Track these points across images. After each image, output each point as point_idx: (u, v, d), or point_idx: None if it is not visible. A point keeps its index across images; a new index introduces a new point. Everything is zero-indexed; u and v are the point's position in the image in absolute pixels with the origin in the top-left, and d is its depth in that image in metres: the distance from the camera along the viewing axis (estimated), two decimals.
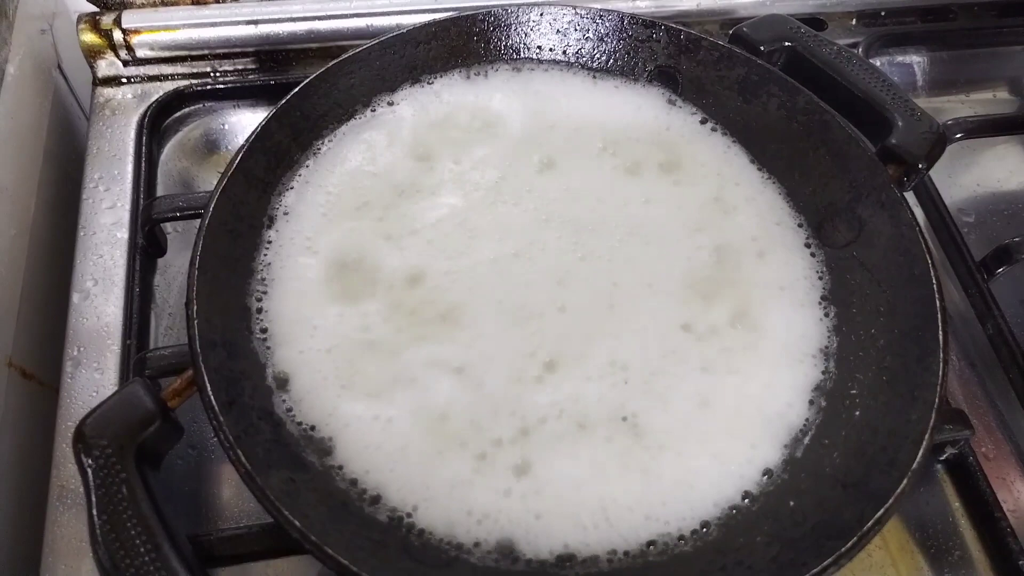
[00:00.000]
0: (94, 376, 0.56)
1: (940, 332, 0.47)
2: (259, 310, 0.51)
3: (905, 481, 0.42)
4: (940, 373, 0.46)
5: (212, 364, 0.44)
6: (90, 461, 0.41)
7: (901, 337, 0.49)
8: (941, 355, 0.46)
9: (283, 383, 0.49)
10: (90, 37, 0.71)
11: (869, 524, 0.41)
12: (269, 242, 0.54)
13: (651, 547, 0.44)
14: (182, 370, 0.46)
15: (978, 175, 0.77)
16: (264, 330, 0.50)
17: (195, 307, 0.46)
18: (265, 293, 0.52)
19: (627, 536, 0.44)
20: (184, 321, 0.59)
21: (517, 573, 0.43)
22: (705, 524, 0.45)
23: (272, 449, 0.44)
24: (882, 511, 0.41)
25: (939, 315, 0.47)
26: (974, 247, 0.66)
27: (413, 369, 0.49)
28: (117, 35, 0.71)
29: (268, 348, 0.50)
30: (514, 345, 0.51)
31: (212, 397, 0.43)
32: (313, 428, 0.47)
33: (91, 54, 0.72)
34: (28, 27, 0.68)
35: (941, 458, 0.56)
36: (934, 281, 0.49)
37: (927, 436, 0.43)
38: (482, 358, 0.50)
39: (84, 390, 0.56)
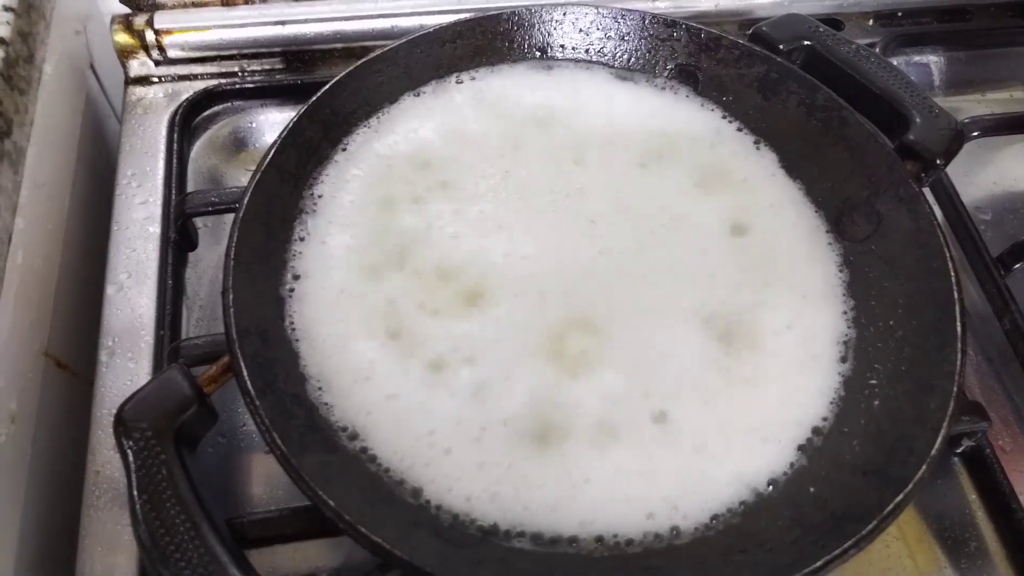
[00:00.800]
0: (128, 366, 0.58)
1: (958, 323, 0.48)
2: (291, 300, 0.52)
3: (924, 467, 0.43)
4: (958, 363, 0.46)
5: (247, 351, 0.45)
6: (131, 443, 0.42)
7: (920, 328, 0.50)
8: (959, 345, 0.47)
9: (315, 369, 0.50)
10: (123, 38, 0.73)
11: (889, 508, 0.42)
12: (300, 235, 0.55)
13: (675, 532, 0.45)
14: (214, 358, 0.47)
15: (995, 174, 0.77)
16: (295, 319, 0.52)
17: (231, 296, 0.47)
18: (297, 283, 0.53)
19: (652, 521, 0.45)
20: (215, 312, 0.61)
21: (545, 554, 0.44)
22: (728, 510, 0.46)
23: (306, 433, 0.46)
24: (901, 496, 0.42)
25: (957, 306, 0.48)
26: (991, 244, 0.66)
27: (442, 356, 0.51)
28: (149, 35, 0.73)
29: (299, 338, 0.51)
30: (540, 333, 0.52)
31: (249, 382, 0.44)
32: (344, 413, 0.48)
33: (124, 54, 0.74)
34: (63, 28, 0.69)
35: (958, 450, 0.57)
36: (952, 273, 0.50)
37: (945, 424, 0.44)
38: (510, 346, 0.51)
39: (119, 379, 0.57)
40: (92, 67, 0.77)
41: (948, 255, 0.50)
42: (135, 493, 0.41)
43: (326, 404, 0.48)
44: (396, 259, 0.55)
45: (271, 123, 0.74)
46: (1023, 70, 0.85)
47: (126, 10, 0.74)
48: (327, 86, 0.57)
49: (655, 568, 0.43)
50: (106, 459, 0.54)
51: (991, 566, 0.54)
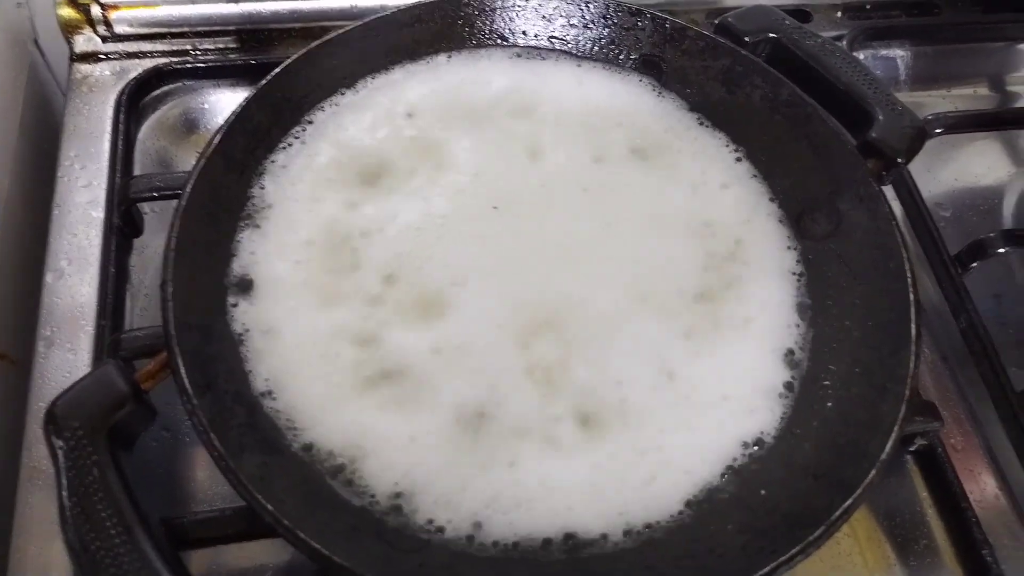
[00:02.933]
0: (67, 357, 0.56)
1: (913, 326, 0.48)
2: (236, 293, 0.51)
3: (874, 472, 0.43)
4: (911, 366, 0.46)
5: (187, 347, 0.44)
6: (61, 443, 0.41)
7: (875, 329, 0.50)
8: (913, 348, 0.47)
9: (258, 367, 0.48)
10: (67, 12, 0.70)
11: (837, 513, 0.41)
12: (248, 225, 0.53)
13: (625, 535, 0.45)
14: (156, 352, 0.45)
15: (957, 170, 0.78)
16: (239, 314, 0.50)
17: (171, 289, 0.45)
18: (242, 276, 0.51)
19: (601, 523, 0.45)
20: (160, 303, 0.59)
21: (489, 557, 0.43)
22: (677, 513, 0.46)
23: (246, 433, 0.44)
24: (851, 500, 0.42)
25: (912, 308, 0.48)
26: (951, 241, 0.67)
27: (393, 354, 0.49)
28: (95, 10, 0.70)
29: (243, 332, 0.49)
30: (498, 327, 0.51)
31: (186, 380, 0.42)
32: (288, 412, 0.47)
33: (68, 29, 0.71)
34: (3, 1, 0.66)
35: (911, 449, 0.57)
36: (908, 275, 0.49)
37: (896, 428, 0.44)
38: (467, 341, 0.50)
39: (57, 371, 0.55)
40: (36, 41, 0.74)
41: (905, 256, 0.50)
42: (64, 495, 0.40)
43: (270, 402, 0.47)
44: (347, 254, 0.53)
45: (224, 104, 0.72)
46: (988, 66, 0.86)
47: None
48: (277, 69, 0.55)
49: (603, 573, 0.43)
50: (41, 454, 0.52)
51: (940, 564, 0.54)
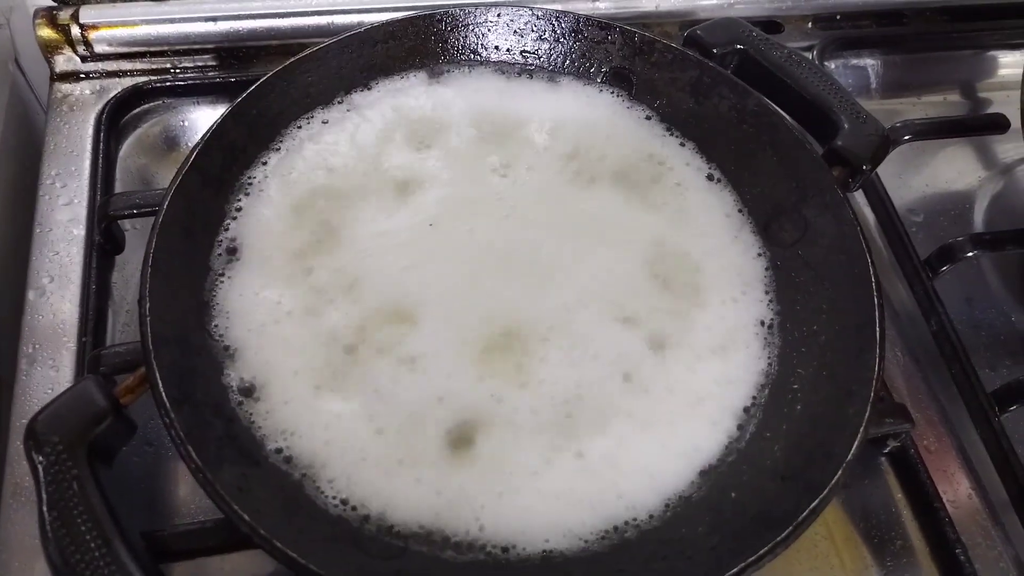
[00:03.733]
0: (49, 373, 0.56)
1: (877, 328, 0.48)
2: (214, 307, 0.51)
3: (839, 472, 0.43)
4: (876, 369, 0.47)
5: (164, 361, 0.44)
6: (41, 458, 0.41)
7: (841, 333, 0.51)
8: (878, 351, 0.48)
9: (237, 378, 0.49)
10: (47, 32, 0.71)
11: (804, 514, 0.42)
12: (225, 240, 0.54)
13: (597, 537, 0.45)
14: (136, 367, 0.46)
15: (927, 176, 0.79)
16: (218, 327, 0.51)
17: (148, 304, 0.46)
18: (220, 290, 0.52)
19: (572, 527, 0.45)
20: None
21: (464, 564, 0.44)
22: (648, 516, 0.46)
23: (224, 445, 0.45)
24: (817, 501, 0.42)
25: (876, 312, 0.49)
26: (922, 246, 0.68)
27: (367, 364, 0.50)
28: (75, 30, 0.71)
29: (222, 345, 0.50)
30: (465, 338, 0.52)
31: (163, 394, 0.43)
32: (266, 423, 0.48)
33: (48, 49, 0.71)
34: None
35: (885, 451, 0.58)
36: (873, 279, 0.50)
37: (862, 430, 0.45)
38: (434, 353, 0.51)
39: (39, 387, 0.55)
40: (16, 61, 0.74)
41: (870, 260, 0.51)
42: (45, 510, 0.40)
43: (248, 414, 0.48)
44: (322, 268, 0.54)
45: (203, 122, 0.72)
46: (958, 74, 0.87)
47: (50, 3, 0.72)
48: (252, 87, 0.56)
49: None
50: (24, 470, 0.52)
51: (915, 564, 0.55)
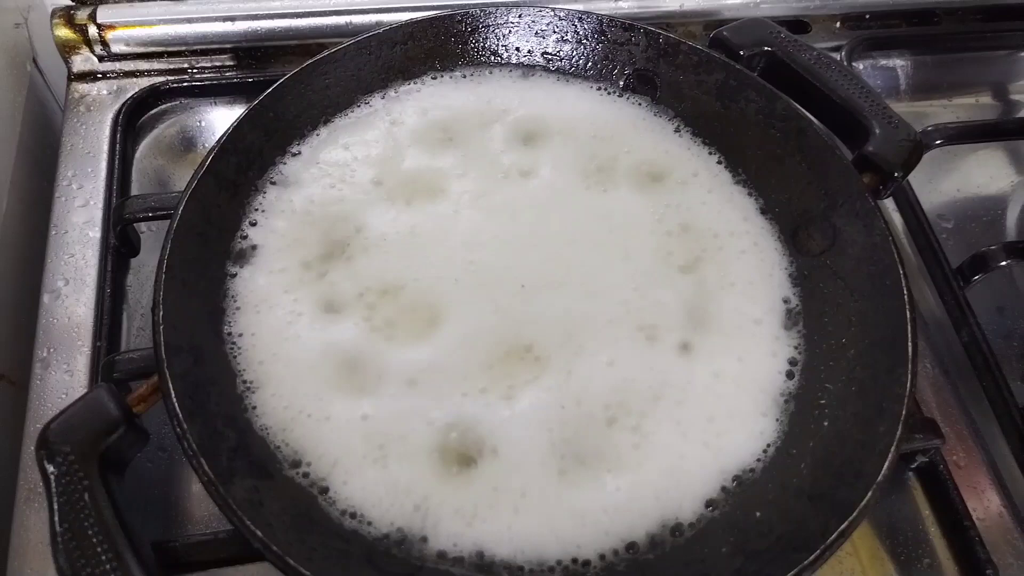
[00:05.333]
0: (64, 378, 0.56)
1: (909, 343, 0.47)
2: (229, 315, 0.51)
3: (870, 493, 0.42)
4: (908, 385, 0.46)
5: (177, 370, 0.44)
6: (52, 468, 0.41)
7: (871, 348, 0.49)
8: (910, 367, 0.46)
9: (251, 389, 0.48)
10: (64, 32, 0.71)
11: (833, 537, 0.41)
12: (239, 245, 0.53)
13: (617, 557, 0.44)
14: (151, 374, 0.45)
15: (958, 181, 0.77)
16: (232, 335, 0.50)
17: (162, 312, 0.45)
18: (236, 297, 0.51)
19: (592, 545, 0.44)
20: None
21: None
22: (671, 535, 0.45)
23: (236, 457, 0.44)
24: (846, 523, 0.41)
25: (909, 327, 0.47)
26: (952, 253, 0.66)
27: (385, 375, 0.49)
28: (92, 30, 0.70)
29: (236, 354, 0.49)
30: (484, 346, 0.51)
31: (176, 404, 0.42)
32: (280, 435, 0.47)
33: (66, 49, 0.71)
34: (2, 20, 0.67)
35: (912, 466, 0.57)
36: (905, 292, 0.49)
37: (893, 449, 0.43)
38: (454, 364, 0.50)
39: (53, 392, 0.55)
40: (35, 61, 0.74)
41: (902, 273, 0.50)
42: (56, 520, 0.40)
43: (260, 425, 0.47)
44: (341, 273, 0.53)
45: (221, 122, 0.72)
46: (990, 75, 0.85)
47: (68, 2, 0.72)
48: (270, 90, 0.55)
49: None
50: (38, 476, 0.51)
51: None
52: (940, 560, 0.54)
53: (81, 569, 0.39)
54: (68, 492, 0.40)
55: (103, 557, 0.39)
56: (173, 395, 0.42)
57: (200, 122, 0.72)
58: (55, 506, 0.40)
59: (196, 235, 0.50)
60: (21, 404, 0.55)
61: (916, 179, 0.69)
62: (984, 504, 0.56)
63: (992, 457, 0.58)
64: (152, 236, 0.65)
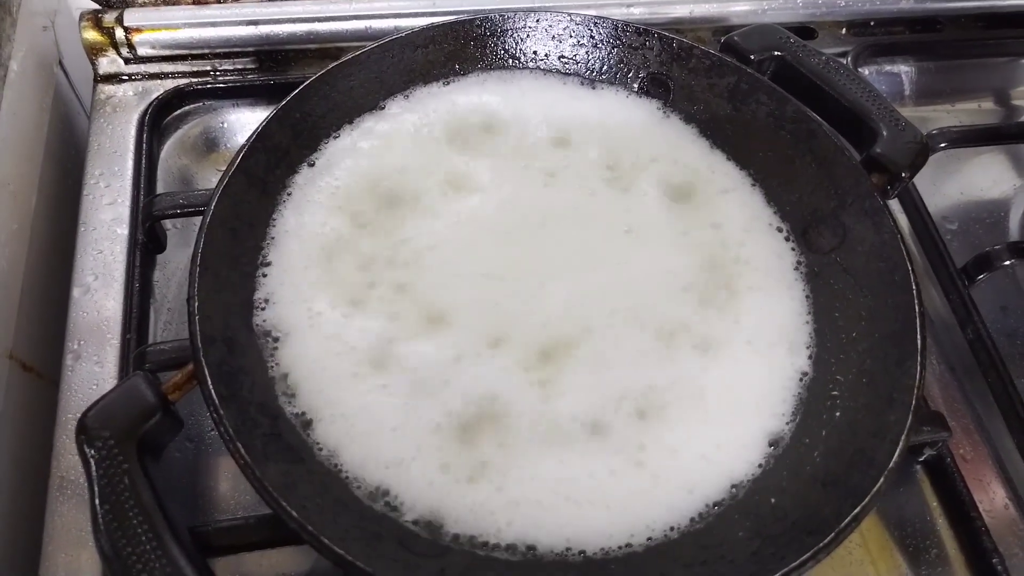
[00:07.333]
0: (94, 369, 0.57)
1: (919, 336, 0.48)
2: (259, 306, 0.52)
3: (882, 480, 0.44)
4: (918, 376, 0.47)
5: (212, 359, 0.45)
6: (93, 452, 0.42)
7: (881, 341, 0.51)
8: (919, 359, 0.48)
9: (282, 377, 0.50)
10: (92, 35, 0.72)
11: (847, 520, 0.42)
12: (269, 239, 0.55)
13: (637, 542, 0.46)
14: (181, 364, 0.47)
15: (962, 183, 0.78)
16: (262, 325, 0.51)
17: (196, 303, 0.46)
18: (265, 290, 0.53)
19: (613, 530, 0.46)
20: (183, 315, 0.61)
21: (507, 562, 0.44)
22: (689, 521, 0.47)
23: (270, 442, 0.45)
24: (859, 508, 0.43)
25: (918, 320, 0.49)
26: (957, 254, 0.68)
27: (411, 364, 0.51)
28: (119, 33, 0.72)
29: (267, 343, 0.51)
30: (507, 340, 0.52)
31: (212, 391, 0.44)
32: (311, 421, 0.48)
33: (93, 51, 0.73)
34: (30, 24, 0.68)
35: (920, 459, 0.58)
36: (914, 287, 0.50)
37: (904, 437, 0.45)
38: (476, 353, 0.51)
39: (84, 383, 0.56)
40: (61, 63, 0.76)
41: (910, 268, 0.51)
42: (97, 502, 0.41)
43: (292, 411, 0.48)
44: (363, 267, 0.55)
45: (243, 123, 0.73)
46: (992, 81, 0.87)
47: (95, 6, 0.73)
48: (297, 90, 0.57)
49: None
50: (70, 464, 0.53)
51: (951, 573, 0.55)
52: (947, 550, 0.56)
53: (123, 549, 0.40)
54: (109, 475, 0.42)
55: (143, 538, 0.40)
56: (210, 382, 0.44)
57: (223, 123, 0.74)
58: (96, 488, 0.41)
59: (227, 230, 0.51)
60: (50, 397, 0.56)
61: (921, 182, 0.70)
62: (990, 496, 0.58)
63: (997, 451, 0.60)
64: (177, 233, 0.66)
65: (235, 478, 0.55)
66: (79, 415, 0.43)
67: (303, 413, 0.49)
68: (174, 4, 0.75)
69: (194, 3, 0.75)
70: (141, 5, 0.74)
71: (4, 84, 0.61)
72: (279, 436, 0.47)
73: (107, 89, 0.73)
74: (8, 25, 0.63)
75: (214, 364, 0.45)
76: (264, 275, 0.53)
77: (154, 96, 0.72)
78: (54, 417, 0.55)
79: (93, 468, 0.42)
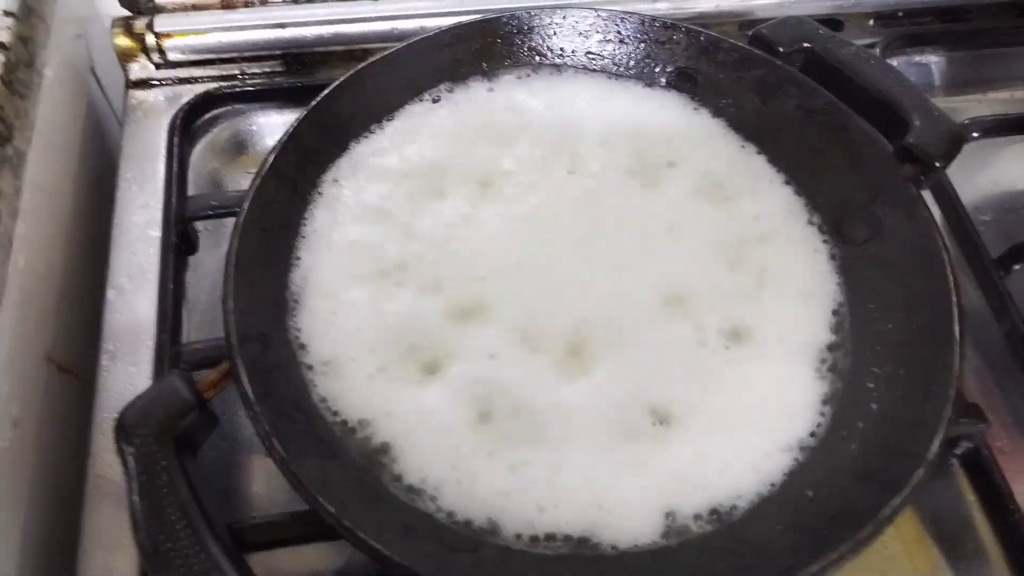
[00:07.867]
0: (129, 370, 0.58)
1: (956, 326, 0.48)
2: (292, 305, 0.53)
3: (921, 471, 0.43)
4: (956, 366, 0.46)
5: (248, 357, 0.46)
6: (131, 449, 0.43)
7: (918, 331, 0.50)
8: (957, 349, 0.47)
9: (317, 375, 0.50)
10: (124, 41, 0.73)
11: (886, 512, 0.42)
12: (300, 238, 0.55)
13: (672, 535, 0.46)
14: (215, 363, 0.47)
15: (995, 174, 0.77)
16: (296, 324, 0.52)
17: (231, 303, 0.47)
18: (297, 288, 0.53)
19: (649, 523, 0.46)
20: (216, 315, 0.60)
21: (542, 555, 0.44)
22: (725, 514, 0.46)
23: (305, 438, 0.46)
24: (898, 499, 0.42)
25: (955, 309, 0.48)
26: (990, 245, 0.66)
27: (444, 361, 0.51)
28: (150, 39, 0.73)
29: (301, 342, 0.51)
30: (538, 334, 0.52)
31: (249, 389, 0.44)
32: (346, 417, 0.49)
33: (124, 57, 0.74)
34: (64, 32, 0.69)
35: (956, 452, 0.57)
36: (950, 276, 0.50)
37: (942, 428, 0.44)
38: (508, 347, 0.52)
39: (119, 383, 0.57)
40: (92, 70, 0.77)
41: (946, 258, 0.50)
42: (136, 499, 0.41)
43: (327, 408, 0.49)
44: (395, 264, 0.55)
45: (271, 126, 0.74)
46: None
47: (126, 13, 0.75)
48: (326, 91, 0.57)
49: (652, 572, 0.44)
50: (107, 463, 0.54)
51: (989, 567, 0.54)
52: (985, 544, 0.54)
53: (162, 545, 0.40)
54: (147, 472, 0.42)
55: (181, 533, 0.40)
56: (246, 380, 0.44)
57: (251, 126, 0.74)
58: (134, 486, 0.42)
59: (260, 230, 0.52)
60: (87, 398, 0.57)
61: (953, 173, 0.69)
62: None
63: None
64: (209, 235, 0.67)
65: (268, 477, 0.55)
66: (115, 415, 0.44)
67: (337, 409, 0.49)
68: (203, 9, 0.76)
69: (223, 7, 0.76)
70: (171, 11, 0.75)
71: (39, 91, 0.62)
72: (313, 432, 0.47)
73: (138, 95, 0.74)
74: (43, 33, 0.64)
75: (249, 362, 0.46)
76: (295, 274, 0.54)
77: (184, 101, 0.72)
78: (90, 418, 0.56)
79: (132, 465, 0.42)
